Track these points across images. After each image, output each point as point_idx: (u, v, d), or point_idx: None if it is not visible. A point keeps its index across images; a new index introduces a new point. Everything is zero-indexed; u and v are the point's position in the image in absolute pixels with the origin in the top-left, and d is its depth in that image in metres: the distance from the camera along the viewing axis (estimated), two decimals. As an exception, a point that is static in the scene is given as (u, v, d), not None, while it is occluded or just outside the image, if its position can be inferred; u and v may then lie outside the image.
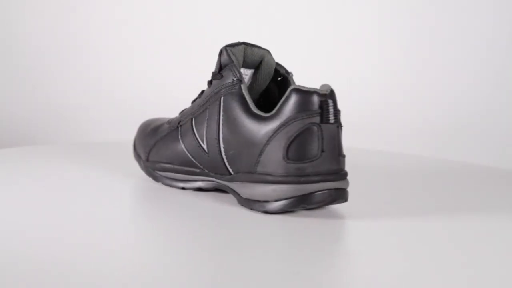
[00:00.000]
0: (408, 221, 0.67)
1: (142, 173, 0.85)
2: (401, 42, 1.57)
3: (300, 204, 0.65)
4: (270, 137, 0.66)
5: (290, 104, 0.65)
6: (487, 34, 1.52)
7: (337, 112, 0.66)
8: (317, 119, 0.65)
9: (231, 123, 0.69)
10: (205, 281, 0.50)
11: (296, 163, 0.65)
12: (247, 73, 0.73)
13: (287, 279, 0.51)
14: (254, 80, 0.73)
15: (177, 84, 1.65)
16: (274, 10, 1.63)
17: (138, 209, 0.69)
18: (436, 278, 0.51)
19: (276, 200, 0.66)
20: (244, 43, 0.73)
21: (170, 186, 0.78)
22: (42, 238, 0.59)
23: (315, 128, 0.65)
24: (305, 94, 0.65)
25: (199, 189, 0.76)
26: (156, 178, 0.79)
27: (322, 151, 0.65)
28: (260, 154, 0.67)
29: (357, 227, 0.65)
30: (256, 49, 0.73)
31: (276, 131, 0.66)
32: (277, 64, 0.74)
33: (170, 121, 0.78)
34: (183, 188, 0.77)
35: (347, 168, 0.91)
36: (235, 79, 0.70)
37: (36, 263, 0.52)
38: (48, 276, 0.50)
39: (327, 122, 0.65)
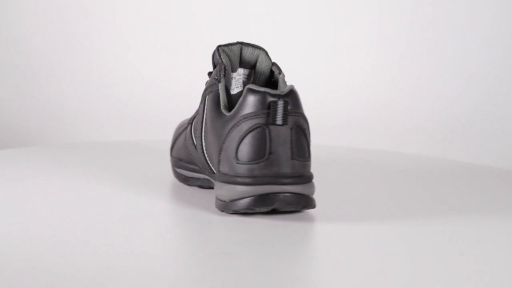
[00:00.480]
0: (407, 220, 0.67)
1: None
2: (401, 42, 1.57)
3: (250, 206, 0.64)
4: (225, 137, 0.65)
5: (243, 104, 0.64)
6: (487, 34, 1.52)
7: (288, 114, 0.63)
8: (264, 120, 0.64)
9: (208, 122, 0.69)
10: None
11: (244, 164, 0.64)
12: (246, 73, 0.73)
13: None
14: (253, 80, 0.73)
15: (177, 84, 1.65)
16: (274, 10, 1.63)
17: (135, 209, 0.69)
18: (437, 278, 0.52)
19: (231, 201, 0.65)
20: (241, 42, 0.72)
21: (181, 182, 0.79)
22: (39, 238, 0.59)
23: (262, 129, 0.64)
24: (256, 93, 0.64)
25: (200, 187, 0.77)
26: (175, 174, 0.80)
27: (270, 153, 0.64)
28: (220, 153, 0.66)
29: (355, 227, 0.65)
30: (251, 49, 0.72)
31: (229, 131, 0.65)
32: (274, 64, 0.73)
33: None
34: (189, 185, 0.78)
35: (348, 168, 0.91)
36: (215, 78, 0.70)
37: (35, 264, 0.52)
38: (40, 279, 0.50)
39: (274, 123, 0.63)
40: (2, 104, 1.73)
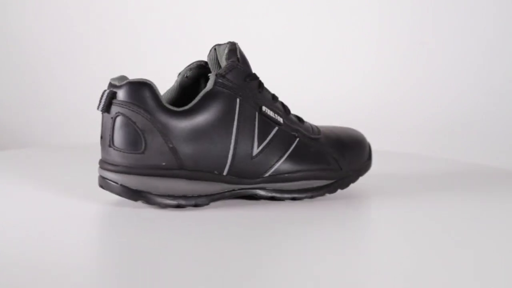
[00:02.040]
0: (407, 220, 0.67)
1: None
2: (401, 42, 1.57)
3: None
4: None
5: None
6: (487, 34, 1.52)
7: (110, 103, 0.66)
8: None
9: None
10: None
11: None
12: None
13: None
14: None
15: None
16: (274, 10, 1.63)
17: (133, 209, 0.69)
18: (437, 277, 0.52)
19: None
20: (229, 42, 0.73)
21: None
22: (39, 239, 0.59)
23: (102, 115, 0.68)
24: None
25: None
26: None
27: (101, 137, 0.68)
28: None
29: (354, 227, 0.64)
30: (223, 47, 0.73)
31: None
32: (228, 63, 0.72)
33: None
34: None
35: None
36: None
37: (34, 264, 0.52)
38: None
39: (98, 109, 0.67)
40: (2, 104, 1.73)
